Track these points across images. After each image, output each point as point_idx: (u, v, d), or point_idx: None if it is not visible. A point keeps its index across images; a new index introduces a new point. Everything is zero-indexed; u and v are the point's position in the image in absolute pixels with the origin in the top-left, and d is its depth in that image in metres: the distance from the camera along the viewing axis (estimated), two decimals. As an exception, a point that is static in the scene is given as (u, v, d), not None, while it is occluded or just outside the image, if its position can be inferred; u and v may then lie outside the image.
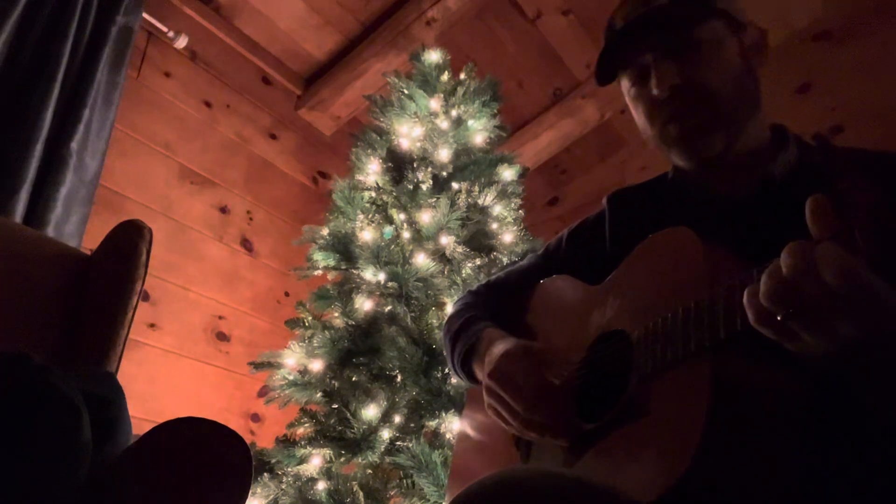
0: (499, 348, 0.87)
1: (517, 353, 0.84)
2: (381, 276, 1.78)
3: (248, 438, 1.29)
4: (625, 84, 0.89)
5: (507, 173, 1.98)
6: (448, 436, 1.56)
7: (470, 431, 1.03)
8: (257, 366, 1.78)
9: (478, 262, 1.80)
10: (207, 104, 2.48)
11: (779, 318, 0.49)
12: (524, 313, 1.01)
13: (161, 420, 0.95)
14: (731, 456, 0.57)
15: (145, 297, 2.13)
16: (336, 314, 1.82)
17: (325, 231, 1.90)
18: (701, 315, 0.60)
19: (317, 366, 1.72)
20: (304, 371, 1.73)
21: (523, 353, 0.84)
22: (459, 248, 1.80)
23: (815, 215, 0.49)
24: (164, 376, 2.15)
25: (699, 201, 0.87)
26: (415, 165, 1.94)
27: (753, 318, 0.51)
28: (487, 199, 1.89)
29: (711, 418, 0.55)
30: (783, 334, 0.51)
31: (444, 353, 1.10)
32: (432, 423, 1.59)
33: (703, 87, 0.80)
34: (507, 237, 1.88)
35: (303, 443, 1.62)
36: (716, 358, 0.58)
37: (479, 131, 2.04)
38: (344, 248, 1.83)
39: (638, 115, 0.89)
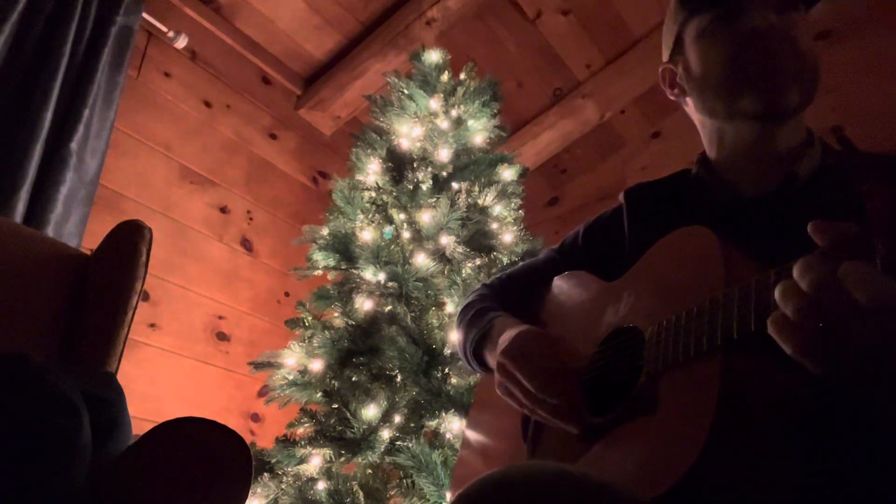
0: (513, 331, 0.87)
1: (532, 334, 0.85)
2: (381, 276, 1.78)
3: (248, 438, 1.29)
4: (700, 22, 0.86)
5: (507, 173, 1.98)
6: (448, 436, 1.56)
7: (477, 426, 1.03)
8: (257, 366, 1.78)
9: (478, 262, 1.80)
10: (207, 104, 2.48)
11: (820, 342, 0.48)
12: (538, 308, 1.01)
13: (161, 420, 0.95)
14: (736, 454, 0.57)
15: (145, 297, 2.13)
16: (336, 314, 1.82)
17: (325, 231, 1.90)
18: (715, 314, 0.60)
19: (317, 366, 1.72)
20: (304, 371, 1.73)
21: (538, 336, 0.84)
22: (459, 248, 1.80)
23: (820, 233, 0.49)
24: (164, 376, 2.15)
25: (720, 198, 0.87)
26: (415, 165, 1.94)
27: (793, 349, 0.49)
28: (487, 199, 1.90)
29: (719, 416, 0.55)
30: (815, 358, 0.50)
31: (456, 342, 1.10)
32: (432, 423, 1.59)
33: (800, 45, 0.80)
34: (507, 237, 1.88)
35: (303, 443, 1.62)
36: (727, 357, 0.58)
37: (479, 131, 2.04)
38: (344, 248, 1.83)
39: (710, 54, 0.85)
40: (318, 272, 1.90)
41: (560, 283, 1.00)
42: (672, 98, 0.97)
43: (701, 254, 0.68)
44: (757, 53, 0.80)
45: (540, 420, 0.82)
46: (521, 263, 1.17)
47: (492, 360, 0.93)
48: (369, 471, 1.58)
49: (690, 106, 0.94)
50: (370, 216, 1.92)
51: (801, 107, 0.81)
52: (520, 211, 1.97)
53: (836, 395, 0.58)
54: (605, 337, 0.80)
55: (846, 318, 0.48)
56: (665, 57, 0.96)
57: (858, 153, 0.57)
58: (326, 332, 1.73)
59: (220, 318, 2.37)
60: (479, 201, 1.90)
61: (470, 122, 2.02)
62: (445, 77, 2.07)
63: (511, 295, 1.07)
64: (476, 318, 1.02)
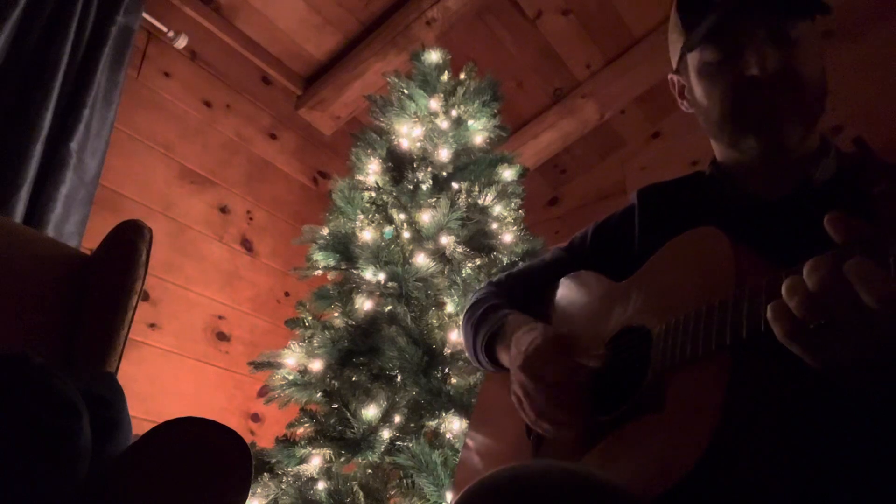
0: (528, 337, 0.86)
1: (547, 345, 0.83)
2: (381, 276, 1.78)
3: (248, 438, 1.29)
4: (703, 55, 0.85)
5: (507, 173, 1.98)
6: (448, 436, 1.56)
7: (480, 427, 1.03)
8: (257, 366, 1.78)
9: (478, 262, 1.80)
10: (207, 104, 2.48)
11: (811, 327, 0.49)
12: (546, 307, 1.01)
13: (161, 420, 0.95)
14: (741, 454, 0.57)
15: (145, 297, 2.13)
16: (336, 314, 1.82)
17: (325, 231, 1.90)
18: (724, 314, 0.60)
19: (317, 366, 1.72)
20: (304, 371, 1.73)
21: (553, 344, 0.83)
22: (459, 248, 1.79)
23: (835, 226, 0.49)
24: (164, 376, 2.15)
25: (734, 201, 0.87)
26: (415, 165, 1.94)
27: (782, 333, 0.51)
28: (487, 199, 1.89)
29: (725, 415, 0.56)
30: (810, 349, 0.51)
31: (463, 339, 1.09)
32: (432, 423, 1.59)
33: (799, 78, 0.80)
34: (507, 237, 1.88)
35: (303, 443, 1.62)
36: (735, 356, 0.59)
37: (479, 131, 2.04)
38: (344, 248, 1.83)
39: (711, 92, 0.85)
40: (318, 272, 1.90)
41: (568, 283, 1.00)
42: (685, 110, 0.98)
43: (712, 254, 0.68)
44: (756, 101, 0.80)
45: (546, 433, 0.82)
46: (529, 262, 1.17)
47: (505, 357, 0.93)
48: (369, 471, 1.58)
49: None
50: (370, 216, 1.92)
51: (804, 139, 0.82)
52: (520, 211, 1.96)
53: (842, 397, 0.58)
54: (613, 336, 0.80)
55: (849, 318, 0.48)
56: (673, 65, 0.96)
57: (873, 156, 0.57)
58: (326, 332, 1.73)
59: (220, 318, 2.37)
60: (479, 201, 1.90)
61: (470, 122, 2.02)
62: (445, 77, 2.07)
63: (519, 293, 1.07)
64: (486, 315, 1.02)
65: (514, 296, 1.06)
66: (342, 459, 1.59)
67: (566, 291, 1.00)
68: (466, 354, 1.18)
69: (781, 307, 0.51)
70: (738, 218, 0.82)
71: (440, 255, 1.81)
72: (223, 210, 2.46)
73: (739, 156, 0.87)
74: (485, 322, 1.01)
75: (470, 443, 1.04)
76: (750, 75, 0.80)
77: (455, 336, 1.70)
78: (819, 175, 0.82)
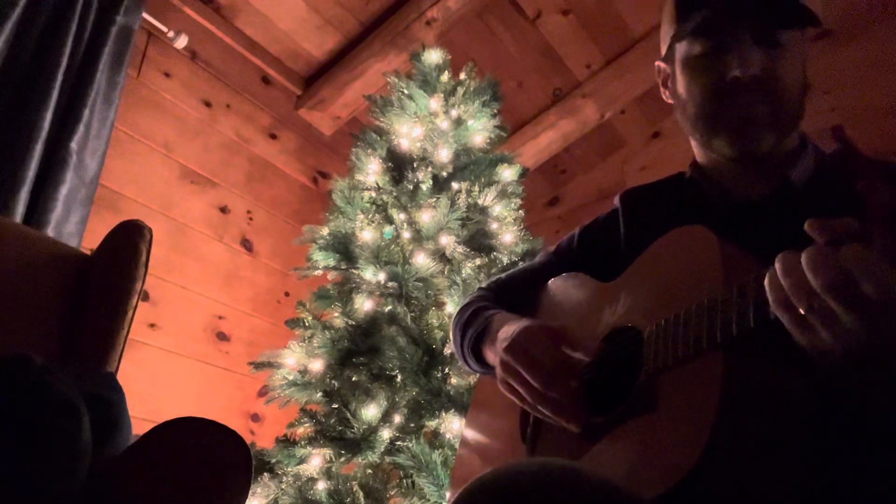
0: (515, 326, 0.86)
1: (535, 328, 0.83)
2: (381, 276, 1.78)
3: (248, 438, 1.29)
4: (690, 48, 0.85)
5: (507, 173, 1.98)
6: (448, 436, 1.56)
7: (476, 427, 1.03)
8: (257, 366, 1.78)
9: (478, 262, 1.80)
10: (207, 104, 2.48)
11: (801, 311, 0.50)
12: (535, 311, 1.01)
13: (161, 420, 0.95)
14: (739, 453, 0.57)
15: (145, 297, 2.13)
16: (336, 314, 1.82)
17: (325, 231, 1.90)
18: (714, 312, 0.60)
19: (317, 366, 1.72)
20: (304, 371, 1.73)
21: (541, 329, 0.83)
22: (459, 248, 1.80)
23: (816, 229, 0.49)
24: (164, 376, 2.15)
25: (715, 202, 0.88)
26: (415, 165, 1.94)
27: (774, 302, 0.52)
28: (487, 199, 1.89)
29: (722, 414, 0.55)
30: (801, 325, 0.51)
31: (453, 343, 1.10)
32: (432, 423, 1.59)
33: (779, 85, 0.80)
34: (507, 237, 1.88)
35: (303, 443, 1.62)
36: (728, 355, 0.59)
37: (479, 131, 2.04)
38: (344, 248, 1.83)
39: (691, 86, 0.85)
40: (318, 272, 1.90)
41: (556, 285, 1.00)
42: (665, 100, 0.98)
43: (699, 252, 0.68)
44: (732, 103, 0.81)
45: (542, 417, 0.81)
46: (516, 267, 1.17)
47: (491, 355, 0.92)
48: (369, 471, 1.58)
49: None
50: (370, 216, 1.92)
51: (775, 148, 0.82)
52: (520, 211, 1.97)
53: (838, 394, 0.58)
54: (604, 337, 0.80)
55: (852, 308, 0.48)
56: (662, 52, 0.96)
57: (857, 151, 0.58)
58: (326, 332, 1.73)
59: (220, 318, 2.37)
60: (479, 201, 1.90)
61: (470, 122, 2.02)
62: (445, 77, 2.07)
63: (508, 297, 1.07)
64: (474, 316, 1.02)
65: (502, 300, 1.07)
66: (342, 459, 1.59)
67: (554, 293, 1.00)
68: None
69: (777, 278, 0.52)
70: (719, 219, 0.81)
71: (440, 255, 1.81)
72: (223, 210, 2.46)
73: (713, 155, 0.88)
74: (471, 323, 1.01)
75: (466, 440, 1.04)
76: (731, 76, 0.80)
77: (452, 337, 1.70)
78: (797, 175, 0.82)
